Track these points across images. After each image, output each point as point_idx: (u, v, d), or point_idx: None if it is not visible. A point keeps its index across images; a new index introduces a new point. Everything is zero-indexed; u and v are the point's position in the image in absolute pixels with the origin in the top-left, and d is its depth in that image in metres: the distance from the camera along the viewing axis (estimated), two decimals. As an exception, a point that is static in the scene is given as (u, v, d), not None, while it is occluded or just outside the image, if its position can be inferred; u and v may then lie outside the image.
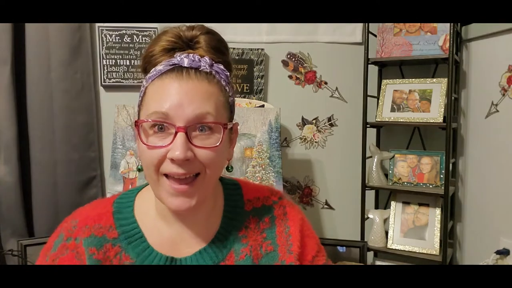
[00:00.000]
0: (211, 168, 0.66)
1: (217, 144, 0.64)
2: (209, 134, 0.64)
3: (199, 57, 0.66)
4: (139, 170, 0.70)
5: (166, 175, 0.64)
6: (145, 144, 0.64)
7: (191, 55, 0.66)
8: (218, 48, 0.69)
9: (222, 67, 0.68)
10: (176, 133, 0.62)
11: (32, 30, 1.67)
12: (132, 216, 0.73)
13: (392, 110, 1.82)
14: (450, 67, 1.66)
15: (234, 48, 1.87)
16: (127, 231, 0.71)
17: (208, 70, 0.66)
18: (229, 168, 0.74)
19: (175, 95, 0.63)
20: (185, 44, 0.68)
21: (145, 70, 0.69)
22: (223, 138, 0.65)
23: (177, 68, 0.65)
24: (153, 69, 0.67)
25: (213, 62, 0.67)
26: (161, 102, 0.63)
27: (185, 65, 0.65)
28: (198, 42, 0.68)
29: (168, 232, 0.72)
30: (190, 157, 0.62)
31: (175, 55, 0.66)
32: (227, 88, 0.69)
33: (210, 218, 0.74)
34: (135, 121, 0.66)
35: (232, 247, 0.74)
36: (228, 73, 0.70)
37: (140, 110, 0.68)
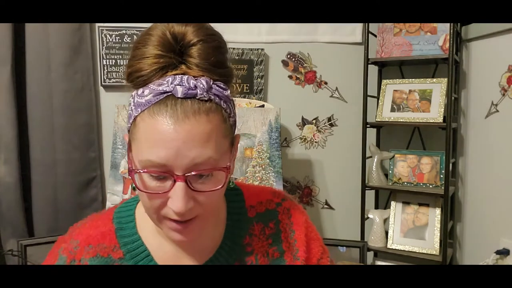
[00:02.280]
0: (212, 207, 0.62)
1: (219, 187, 0.59)
2: (210, 177, 0.58)
3: (195, 81, 0.56)
4: (134, 189, 0.67)
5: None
6: (143, 191, 0.58)
7: (185, 79, 0.56)
8: (217, 61, 0.59)
9: (221, 86, 0.59)
10: (174, 181, 0.56)
11: (32, 30, 1.67)
12: (135, 232, 0.69)
13: (392, 110, 1.82)
14: (450, 67, 1.66)
15: (234, 48, 1.87)
16: (133, 250, 0.68)
17: (206, 98, 0.56)
18: (230, 184, 0.70)
19: (171, 142, 0.54)
20: (177, 58, 0.57)
21: (132, 82, 0.60)
22: (226, 180, 0.60)
23: (170, 100, 0.55)
24: (142, 91, 0.57)
25: (211, 82, 0.58)
26: (155, 149, 0.55)
27: (179, 96, 0.55)
28: (191, 55, 0.57)
29: (170, 248, 0.70)
30: (191, 207, 0.58)
31: (166, 79, 0.56)
32: (227, 110, 0.60)
33: (213, 229, 0.72)
34: (130, 170, 0.59)
35: (237, 257, 0.72)
36: (228, 91, 0.61)
37: (131, 139, 0.60)
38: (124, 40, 1.81)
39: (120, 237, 0.68)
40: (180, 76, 0.56)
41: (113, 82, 1.82)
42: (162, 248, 0.69)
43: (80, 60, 1.73)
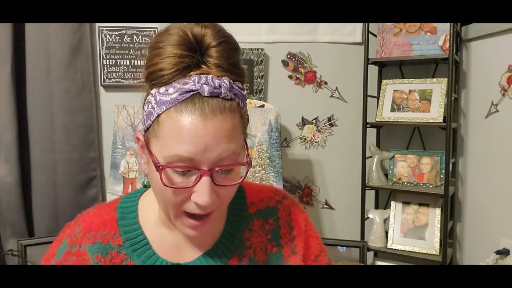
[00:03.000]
0: (228, 200, 0.66)
1: (239, 181, 0.63)
2: (231, 171, 0.62)
3: (219, 81, 0.59)
4: (146, 186, 0.70)
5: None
6: (169, 187, 0.60)
7: (209, 78, 0.58)
8: (234, 62, 0.62)
9: (240, 86, 0.62)
10: (200, 176, 0.59)
11: (32, 30, 1.67)
12: (136, 222, 0.71)
13: (392, 110, 1.82)
14: (450, 67, 1.66)
15: (234, 48, 1.87)
16: (132, 238, 0.70)
17: (228, 97, 0.59)
18: None
19: (200, 137, 0.57)
20: (198, 57, 0.59)
21: (151, 82, 0.62)
22: (246, 174, 0.63)
23: (197, 98, 0.58)
24: (165, 90, 0.59)
25: (232, 82, 0.60)
26: (184, 145, 0.57)
27: (206, 95, 0.58)
28: (211, 56, 0.60)
29: (171, 237, 0.72)
30: (215, 200, 0.61)
31: (191, 78, 0.58)
32: (244, 108, 0.64)
33: (214, 222, 0.72)
34: (157, 165, 0.59)
35: (236, 250, 0.74)
36: (245, 92, 0.64)
37: (152, 137, 0.61)
38: (124, 40, 1.81)
39: (121, 226, 0.70)
40: (205, 75, 0.59)
41: (113, 82, 1.82)
42: (163, 239, 0.71)
43: (80, 60, 1.73)
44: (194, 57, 0.59)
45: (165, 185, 0.59)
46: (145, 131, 0.63)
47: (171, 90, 0.59)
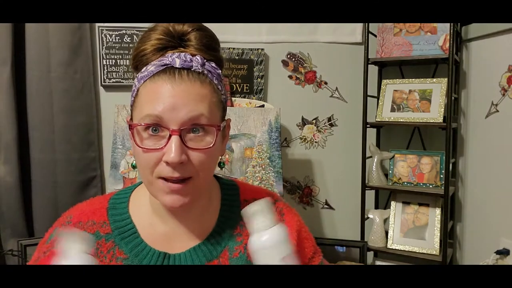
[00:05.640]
0: (204, 171, 0.67)
1: (211, 145, 0.65)
2: (202, 135, 0.65)
3: (191, 56, 0.66)
4: (134, 167, 0.71)
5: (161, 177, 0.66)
6: (140, 147, 0.64)
7: (182, 54, 0.66)
8: (210, 45, 0.69)
9: (214, 65, 0.68)
10: (170, 136, 0.62)
11: (32, 30, 1.67)
12: (126, 212, 0.74)
13: (392, 110, 1.82)
14: (450, 67, 1.66)
15: (234, 48, 1.87)
16: (121, 227, 0.72)
17: (200, 70, 0.66)
18: (220, 164, 0.75)
19: (168, 97, 0.62)
20: (176, 42, 0.67)
21: (136, 68, 0.70)
22: (216, 140, 0.66)
23: (169, 69, 0.64)
24: (145, 68, 0.67)
25: (205, 60, 0.67)
26: (154, 104, 0.63)
27: (177, 66, 0.64)
28: (189, 39, 0.68)
29: (162, 228, 0.73)
30: (184, 160, 0.63)
31: (166, 55, 0.66)
32: (219, 87, 0.69)
33: (205, 216, 0.75)
34: (130, 125, 0.66)
35: (227, 244, 0.75)
36: (220, 71, 0.70)
37: (133, 110, 0.68)
38: (124, 40, 1.81)
39: (111, 215, 0.73)
40: (178, 52, 0.66)
41: (113, 82, 1.82)
42: (153, 228, 0.73)
43: (80, 60, 1.73)
44: (170, 40, 0.67)
45: (137, 145, 0.64)
46: (131, 110, 0.69)
47: (149, 67, 0.66)
